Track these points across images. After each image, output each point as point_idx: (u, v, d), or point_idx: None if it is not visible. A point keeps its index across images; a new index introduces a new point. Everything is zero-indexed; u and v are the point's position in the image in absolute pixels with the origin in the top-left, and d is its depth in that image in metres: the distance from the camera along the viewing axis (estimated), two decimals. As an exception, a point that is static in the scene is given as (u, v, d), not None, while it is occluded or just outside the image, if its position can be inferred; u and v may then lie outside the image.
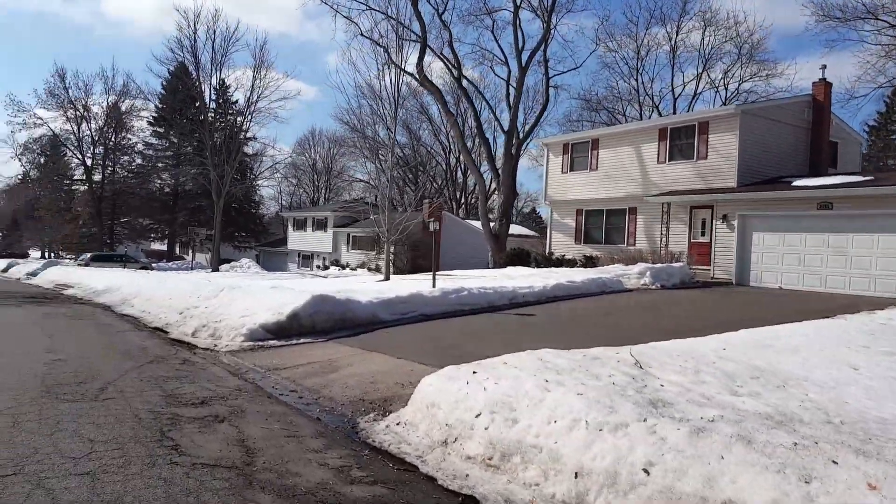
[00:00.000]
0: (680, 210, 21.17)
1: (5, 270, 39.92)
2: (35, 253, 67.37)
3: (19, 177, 64.78)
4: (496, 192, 26.63)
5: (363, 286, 17.78)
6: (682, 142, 21.48)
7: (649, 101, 44.19)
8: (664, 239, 20.92)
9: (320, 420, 6.18)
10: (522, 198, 65.35)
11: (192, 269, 43.78)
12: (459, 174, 58.62)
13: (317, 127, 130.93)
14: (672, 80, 44.79)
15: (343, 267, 36.62)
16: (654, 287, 17.20)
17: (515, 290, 14.17)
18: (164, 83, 52.00)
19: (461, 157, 56.68)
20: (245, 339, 10.25)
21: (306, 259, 45.11)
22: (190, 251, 60.19)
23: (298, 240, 45.83)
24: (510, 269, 22.26)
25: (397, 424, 5.92)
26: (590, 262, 21.81)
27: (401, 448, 5.33)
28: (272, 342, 10.26)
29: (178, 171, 43.70)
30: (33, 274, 33.16)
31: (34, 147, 56.49)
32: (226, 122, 41.90)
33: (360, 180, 70.37)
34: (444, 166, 58.33)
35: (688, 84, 44.71)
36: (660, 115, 41.14)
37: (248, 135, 36.61)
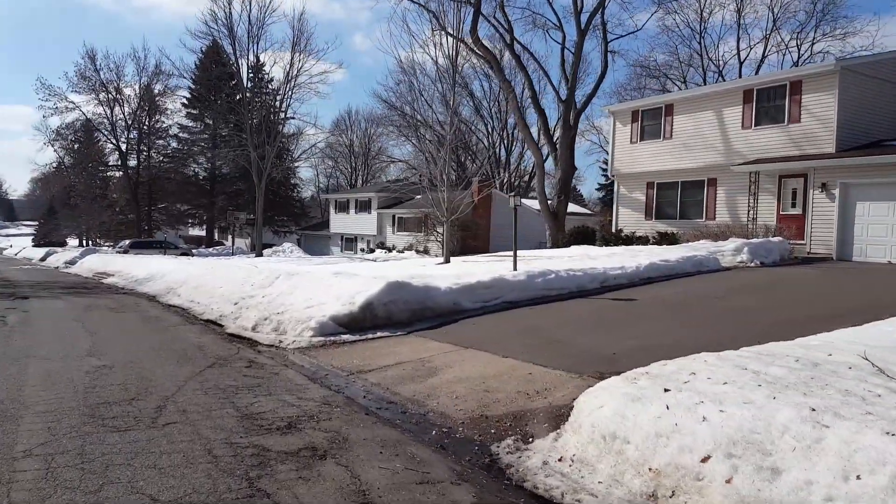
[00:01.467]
0: (767, 180, 19.12)
1: (44, 259, 39.47)
2: (73, 241, 67.44)
3: (54, 164, 64.70)
4: (554, 168, 24.81)
5: (426, 269, 16.24)
6: (770, 104, 19.35)
7: (713, 66, 41.46)
8: (752, 212, 18.92)
9: (445, 449, 4.64)
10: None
11: (232, 254, 42.80)
12: (502, 152, 56.67)
13: (352, 107, 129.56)
14: (738, 42, 41.90)
15: (389, 249, 35.15)
16: (752, 265, 15.32)
17: (606, 272, 12.48)
18: (197, 63, 50.95)
19: (505, 134, 54.65)
20: (314, 333, 8.78)
21: (349, 242, 43.76)
22: (229, 236, 59.42)
23: (341, 222, 44.48)
24: (576, 249, 20.49)
25: (559, 461, 4.34)
26: (665, 238, 19.91)
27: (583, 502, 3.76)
28: (345, 336, 8.79)
29: (215, 153, 42.24)
30: (72, 262, 32.45)
31: (67, 133, 56.07)
32: (262, 100, 40.18)
33: (400, 160, 68.98)
34: (485, 144, 56.40)
35: (754, 46, 41.87)
36: (723, 80, 38.46)
37: (289, 113, 34.84)
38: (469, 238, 31.57)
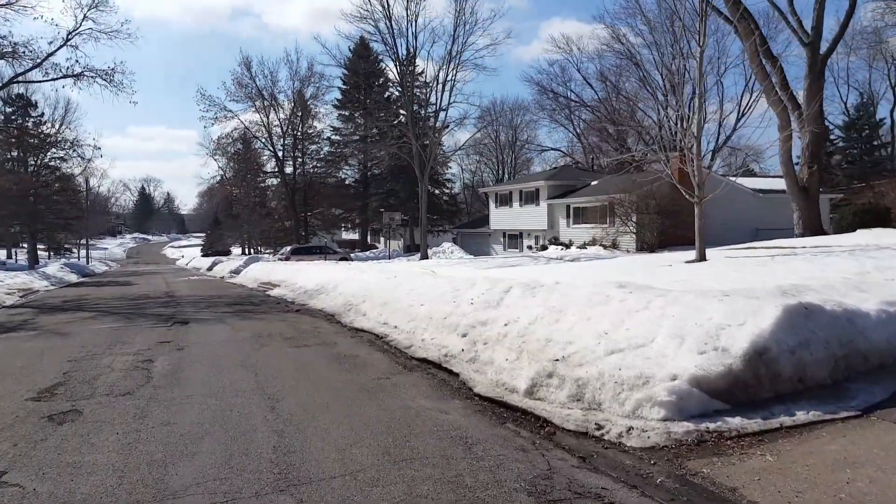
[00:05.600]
0: None
1: (210, 269, 39.09)
2: (236, 249, 69.27)
3: (216, 177, 66.58)
4: (799, 131, 19.06)
5: (678, 273, 11.58)
6: None
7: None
8: None
9: None
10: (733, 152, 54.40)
11: (389, 257, 40.32)
12: (673, 127, 49.98)
13: (496, 98, 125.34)
14: None
15: (566, 246, 30.57)
16: None
17: None
18: (347, 62, 49.26)
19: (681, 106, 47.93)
20: (669, 413, 4.59)
21: (513, 239, 39.49)
22: (381, 238, 57.75)
23: (502, 217, 40.12)
24: (865, 235, 14.79)
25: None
26: None
27: None
28: (732, 422, 4.62)
29: (372, 146, 39.29)
30: (236, 272, 31.07)
31: (227, 142, 56.87)
32: (418, 89, 36.80)
33: (551, 149, 64.16)
34: (653, 120, 50.02)
35: None
36: None
37: (452, 96, 30.87)
38: (671, 227, 26.23)
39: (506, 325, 7.41)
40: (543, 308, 7.36)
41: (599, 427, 4.68)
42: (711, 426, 4.49)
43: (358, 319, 11.39)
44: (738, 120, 39.84)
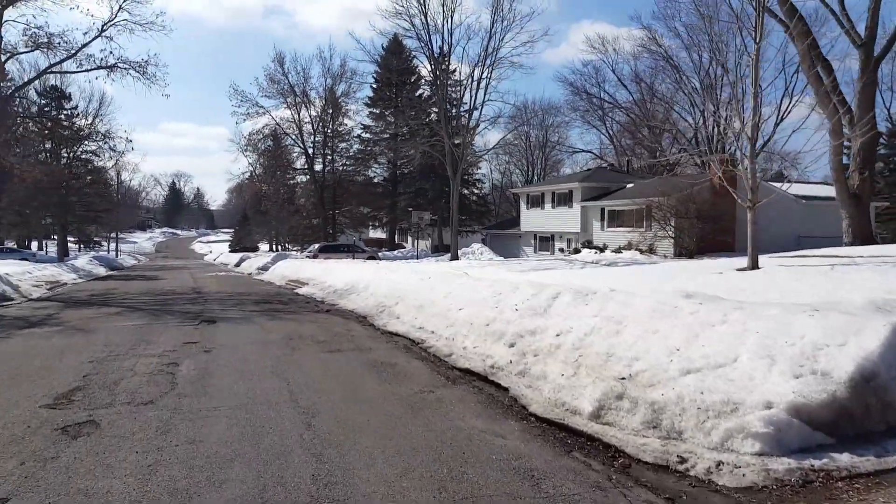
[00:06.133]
0: None
1: (238, 265, 39.01)
2: (264, 246, 69.40)
3: (246, 173, 66.77)
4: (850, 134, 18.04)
5: (728, 281, 10.86)
6: None
7: None
8: None
9: None
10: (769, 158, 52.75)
11: (417, 257, 39.82)
12: (705, 132, 48.78)
13: (527, 98, 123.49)
14: None
15: (600, 249, 29.70)
16: None
17: None
18: (379, 59, 48.88)
19: (720, 108, 46.62)
20: (765, 447, 3.99)
21: (544, 241, 38.61)
22: (409, 238, 57.25)
23: (533, 219, 39.24)
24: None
25: None
26: None
27: None
28: (839, 458, 3.96)
29: (403, 143, 38.45)
30: (264, 269, 30.83)
31: (257, 138, 56.90)
32: (451, 87, 35.97)
33: (583, 150, 63.13)
34: (690, 123, 48.81)
35: None
36: None
37: (486, 94, 30.00)
38: (711, 233, 25.29)
39: (558, 335, 6.81)
40: (600, 318, 6.74)
41: (682, 460, 4.07)
42: (817, 464, 3.86)
43: (391, 322, 10.87)
44: (776, 124, 38.77)
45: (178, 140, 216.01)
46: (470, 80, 29.71)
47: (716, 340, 5.34)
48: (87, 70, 28.09)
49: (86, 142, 45.28)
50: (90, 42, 27.96)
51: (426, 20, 29.22)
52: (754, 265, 12.80)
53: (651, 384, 5.04)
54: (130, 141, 42.55)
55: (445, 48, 29.28)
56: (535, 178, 66.71)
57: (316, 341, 9.06)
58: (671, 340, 5.63)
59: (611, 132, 56.76)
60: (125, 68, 27.94)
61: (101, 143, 42.56)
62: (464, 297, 10.21)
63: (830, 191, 27.14)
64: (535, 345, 6.87)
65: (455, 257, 29.88)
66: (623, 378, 5.25)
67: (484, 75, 29.26)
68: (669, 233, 26.02)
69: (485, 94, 29.50)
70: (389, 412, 5.26)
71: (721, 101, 45.30)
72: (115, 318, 11.98)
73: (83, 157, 50.85)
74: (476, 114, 29.87)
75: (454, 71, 40.26)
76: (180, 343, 8.83)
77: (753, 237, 13.00)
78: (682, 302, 6.31)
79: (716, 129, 48.78)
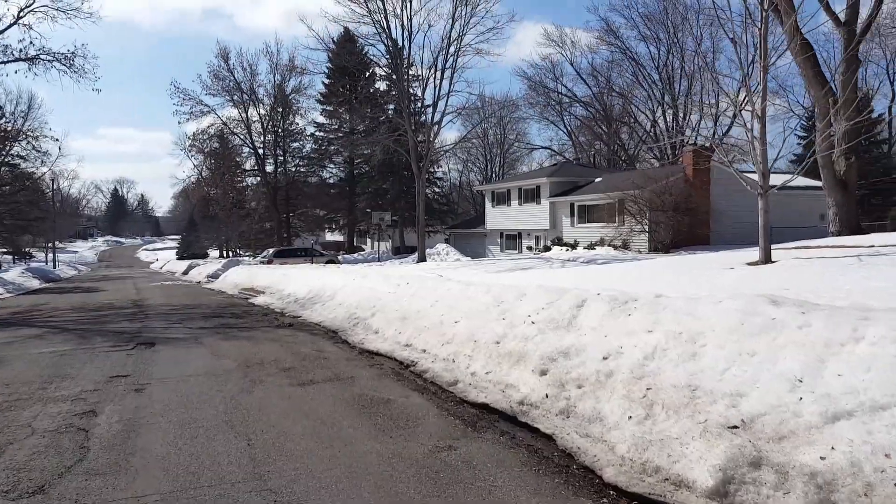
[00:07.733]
0: None
1: (186, 273, 36.51)
2: (213, 252, 66.00)
3: (192, 177, 63.52)
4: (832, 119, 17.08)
5: (754, 282, 9.51)
6: None
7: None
8: None
9: None
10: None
11: (380, 259, 37.93)
12: (664, 124, 48.32)
13: (487, 93, 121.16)
14: None
15: (571, 246, 28.37)
16: None
17: None
18: (330, 55, 46.48)
19: (679, 100, 46.15)
20: None
21: (511, 239, 37.05)
22: (368, 240, 55.10)
23: (499, 217, 37.73)
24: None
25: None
26: None
27: None
28: None
29: (361, 140, 35.98)
30: (214, 276, 28.58)
31: (202, 139, 53.90)
32: (414, 79, 33.77)
33: (542, 147, 62.08)
34: (648, 116, 48.17)
35: None
36: None
37: (451, 84, 28.03)
38: (685, 226, 24.22)
39: (605, 358, 5.24)
40: (660, 335, 5.18)
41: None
42: None
43: (369, 338, 9.15)
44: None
45: (122, 146, 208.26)
46: (434, 69, 27.98)
47: (855, 368, 3.82)
48: (3, 62, 25.17)
49: (11, 143, 41.69)
50: (5, 30, 24.95)
51: (384, 4, 27.34)
52: (767, 259, 11.54)
53: (781, 436, 3.49)
54: (57, 140, 38.89)
55: (406, 34, 27.51)
56: (494, 176, 65.43)
57: (281, 369, 7.27)
58: (783, 367, 4.10)
59: (569, 128, 55.91)
60: (49, 60, 25.04)
61: (25, 146, 39.21)
62: (457, 306, 8.57)
63: (785, 179, 26.46)
64: (574, 371, 5.28)
65: (423, 258, 28.16)
66: (734, 427, 3.69)
67: (448, 64, 27.60)
68: (645, 227, 24.86)
69: (450, 85, 27.84)
70: (404, 496, 3.56)
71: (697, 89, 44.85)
72: (33, 344, 9.90)
73: (10, 162, 47.09)
74: (441, 104, 28.16)
75: (412, 65, 38.55)
76: (106, 377, 6.92)
77: (765, 228, 11.76)
78: (776, 311, 4.78)
79: (675, 122, 48.43)
